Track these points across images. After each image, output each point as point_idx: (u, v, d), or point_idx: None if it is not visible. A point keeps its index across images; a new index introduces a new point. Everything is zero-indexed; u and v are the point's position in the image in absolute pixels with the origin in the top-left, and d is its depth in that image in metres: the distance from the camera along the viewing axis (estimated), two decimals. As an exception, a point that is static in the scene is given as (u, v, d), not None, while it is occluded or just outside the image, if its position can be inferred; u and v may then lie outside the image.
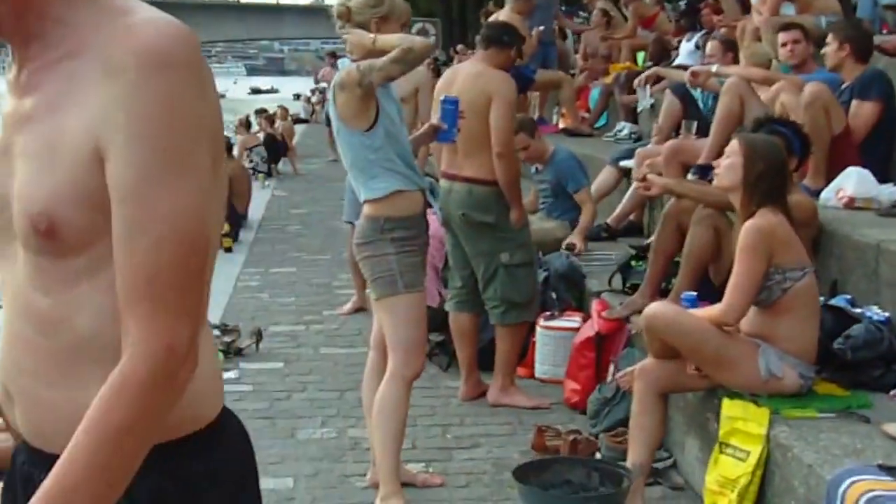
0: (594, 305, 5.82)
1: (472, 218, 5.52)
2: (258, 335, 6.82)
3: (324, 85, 29.34)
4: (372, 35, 4.28)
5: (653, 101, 10.23)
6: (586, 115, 12.46)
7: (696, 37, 10.49)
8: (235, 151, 15.78)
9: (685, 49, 10.60)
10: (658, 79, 9.27)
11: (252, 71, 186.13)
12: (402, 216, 4.31)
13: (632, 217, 7.88)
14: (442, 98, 4.76)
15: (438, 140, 4.84)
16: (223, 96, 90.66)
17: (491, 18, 12.61)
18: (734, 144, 4.26)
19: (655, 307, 4.28)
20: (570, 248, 6.81)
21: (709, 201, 5.05)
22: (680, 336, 4.18)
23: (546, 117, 12.92)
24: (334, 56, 20.54)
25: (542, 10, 12.30)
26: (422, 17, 26.32)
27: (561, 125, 12.83)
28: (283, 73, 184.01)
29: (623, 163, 8.18)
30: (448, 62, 26.35)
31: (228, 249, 10.36)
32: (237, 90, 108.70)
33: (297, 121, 30.15)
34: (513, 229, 5.54)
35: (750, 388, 4.15)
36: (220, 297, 8.33)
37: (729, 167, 4.23)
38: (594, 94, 12.45)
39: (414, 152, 4.54)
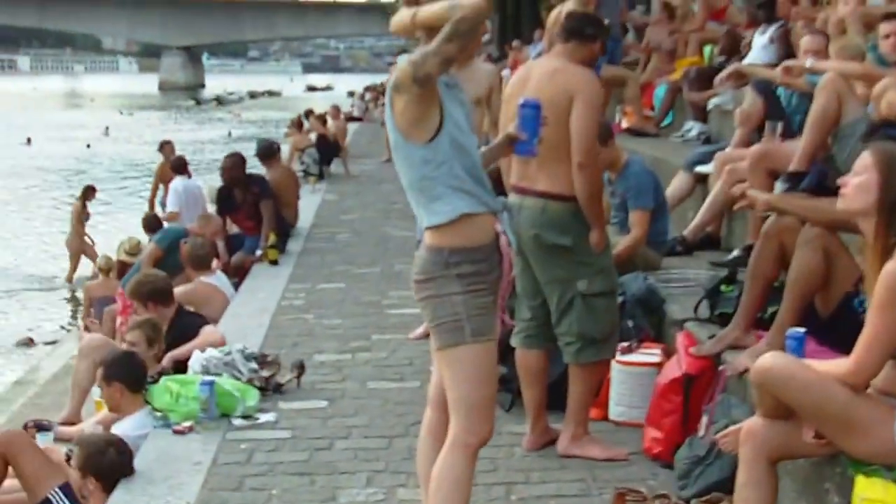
0: (679, 339, 5.02)
1: (546, 239, 4.73)
2: (300, 369, 6.11)
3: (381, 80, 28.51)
4: (412, 9, 3.57)
5: (724, 98, 9.40)
6: (651, 113, 11.65)
7: (771, 29, 9.60)
8: (285, 154, 15.14)
9: (758, 43, 9.71)
10: (740, 76, 8.42)
11: (308, 68, 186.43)
12: (471, 246, 3.59)
13: (709, 229, 7.06)
14: (520, 101, 3.97)
15: (517, 153, 4.05)
16: (279, 94, 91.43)
17: (555, 11, 11.87)
18: (866, 159, 3.43)
19: (769, 359, 3.47)
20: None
21: (823, 221, 4.24)
22: (799, 394, 3.38)
23: (608, 116, 12.10)
24: (403, 52, 19.80)
25: (608, 3, 11.51)
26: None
27: (625, 124, 12.02)
28: (339, 70, 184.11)
29: (699, 168, 7.36)
30: (502, 58, 25.58)
31: (274, 262, 9.70)
32: (293, 88, 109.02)
33: (351, 119, 29.59)
34: (592, 253, 4.75)
35: (884, 459, 3.34)
36: (262, 318, 7.68)
37: (861, 187, 3.40)
38: (659, 91, 11.62)
39: (485, 168, 3.78)
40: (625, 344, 5.28)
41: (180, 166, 12.53)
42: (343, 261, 9.86)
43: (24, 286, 14.99)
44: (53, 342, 11.66)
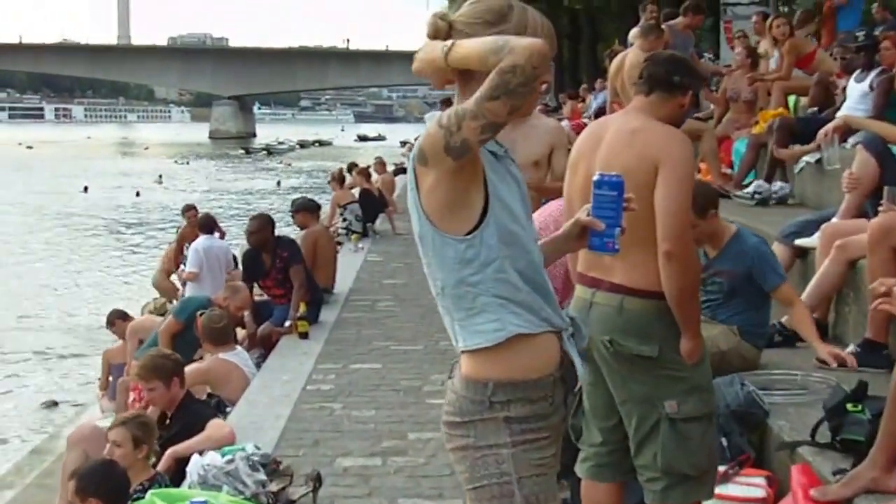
0: (794, 474, 3.95)
1: (623, 347, 3.67)
2: (316, 482, 5.10)
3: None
4: (447, 43, 2.62)
5: (827, 155, 8.34)
6: (729, 170, 10.62)
7: (871, 76, 8.57)
8: (324, 211, 14.25)
9: (856, 91, 8.67)
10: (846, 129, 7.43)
11: (360, 118, 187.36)
12: (526, 379, 2.62)
13: (815, 315, 5.98)
14: (596, 177, 2.88)
15: (591, 248, 2.91)
16: (329, 143, 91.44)
17: (618, 58, 10.92)
18: None
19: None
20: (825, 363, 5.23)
21: None
22: None
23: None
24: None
25: (678, 48, 10.57)
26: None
27: (698, 183, 10.97)
28: (392, 119, 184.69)
29: (800, 241, 6.31)
30: (558, 108, 24.64)
31: (304, 335, 8.74)
32: (344, 137, 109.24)
33: (400, 171, 28.75)
34: (684, 365, 3.69)
35: None
36: (281, 408, 6.70)
37: None
38: (739, 146, 10.59)
39: (546, 265, 2.81)
40: (719, 469, 4.21)
41: (207, 224, 11.64)
42: (382, 335, 8.87)
43: (64, 342, 14.25)
44: (81, 404, 10.95)
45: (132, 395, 8.26)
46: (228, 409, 7.07)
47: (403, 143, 73.00)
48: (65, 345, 14.03)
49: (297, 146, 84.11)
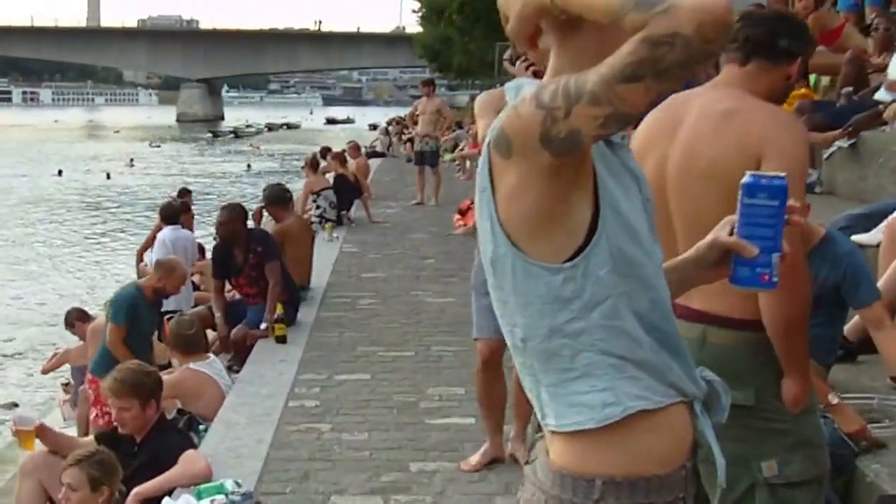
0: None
1: None
2: (307, 534, 4.24)
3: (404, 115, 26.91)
4: None
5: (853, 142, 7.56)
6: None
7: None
8: (298, 197, 13.33)
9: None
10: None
11: (329, 101, 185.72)
12: (648, 476, 1.78)
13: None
14: (748, 179, 1.95)
15: (737, 282, 1.96)
16: (297, 127, 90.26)
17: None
18: None
19: None
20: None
21: None
22: None
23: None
24: (431, 84, 17.95)
25: None
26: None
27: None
28: (361, 102, 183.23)
29: (857, 238, 5.45)
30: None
31: (282, 339, 7.83)
32: (313, 120, 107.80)
33: (373, 154, 27.89)
34: (787, 415, 2.82)
35: None
36: (262, 430, 5.80)
37: None
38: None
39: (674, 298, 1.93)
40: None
41: (172, 214, 10.65)
42: (367, 338, 7.96)
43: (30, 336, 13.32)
44: (44, 403, 10.17)
45: (94, 411, 7.37)
46: (202, 427, 6.19)
47: (373, 127, 72.05)
48: (32, 339, 13.07)
49: (266, 129, 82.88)
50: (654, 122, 2.99)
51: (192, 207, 13.35)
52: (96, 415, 7.29)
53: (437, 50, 59.85)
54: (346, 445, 5.57)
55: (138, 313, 7.32)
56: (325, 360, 7.30)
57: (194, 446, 5.36)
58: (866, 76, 8.43)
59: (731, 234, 1.95)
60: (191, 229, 12.49)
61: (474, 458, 5.20)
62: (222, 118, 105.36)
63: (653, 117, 3.03)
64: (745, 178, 1.93)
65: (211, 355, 7.02)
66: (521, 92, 1.76)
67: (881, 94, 8.01)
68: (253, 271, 8.30)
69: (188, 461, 4.97)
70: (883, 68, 8.53)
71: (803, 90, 9.66)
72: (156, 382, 5.26)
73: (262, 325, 8.00)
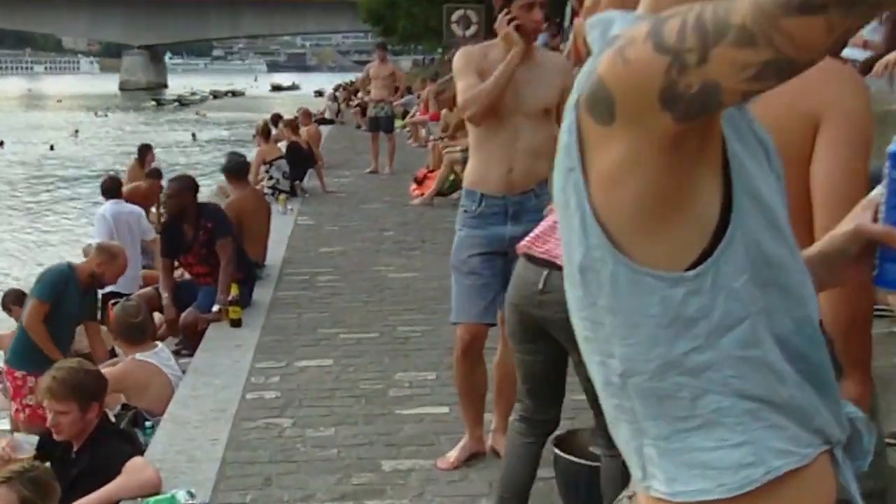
0: None
1: None
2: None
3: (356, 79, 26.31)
4: None
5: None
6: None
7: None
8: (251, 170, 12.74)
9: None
10: None
11: (273, 67, 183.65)
12: None
13: None
14: (894, 145, 1.46)
15: (884, 284, 1.49)
16: (243, 94, 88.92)
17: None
18: None
19: None
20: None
21: None
22: None
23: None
24: (385, 48, 17.33)
25: None
26: (461, 3, 23.14)
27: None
28: (305, 68, 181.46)
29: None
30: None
31: (236, 323, 7.31)
32: (258, 87, 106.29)
33: (322, 121, 27.23)
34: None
35: None
36: (216, 430, 5.30)
37: None
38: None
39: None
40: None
41: (112, 187, 10.04)
42: (328, 319, 7.46)
43: None
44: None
45: (13, 405, 6.80)
46: (148, 424, 5.68)
47: (319, 93, 71.05)
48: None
49: (211, 97, 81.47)
50: None
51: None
52: (16, 409, 6.75)
53: (381, 14, 59.15)
54: (311, 443, 5.08)
55: (66, 294, 6.74)
56: (284, 345, 6.79)
57: (141, 452, 4.84)
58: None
59: (874, 220, 1.47)
60: (156, 200, 11.91)
61: (452, 455, 4.74)
62: (166, 86, 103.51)
63: None
64: (893, 146, 1.44)
65: (159, 344, 6.49)
66: (611, 30, 1.27)
67: (849, 52, 7.62)
68: (203, 249, 7.76)
69: (134, 470, 4.45)
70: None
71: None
72: (98, 383, 4.73)
73: (215, 308, 7.47)
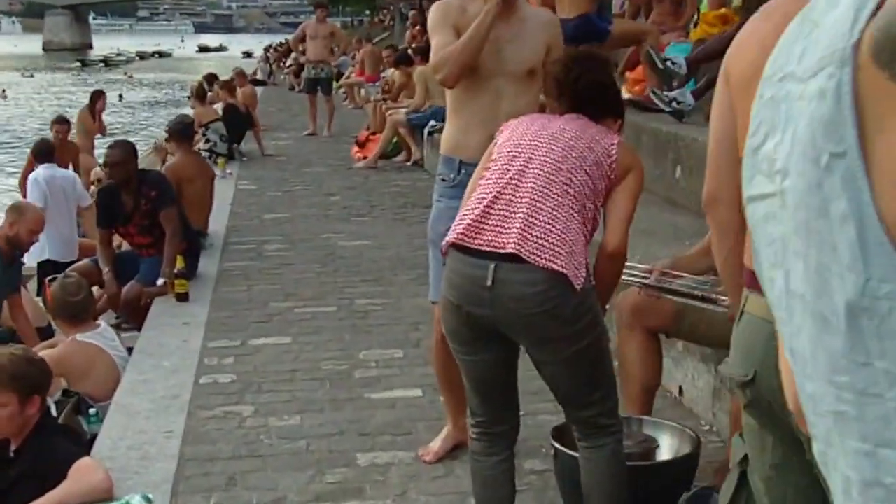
0: None
1: None
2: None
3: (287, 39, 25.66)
4: None
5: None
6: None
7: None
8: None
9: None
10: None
11: (200, 28, 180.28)
12: None
13: None
14: None
15: None
16: (170, 55, 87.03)
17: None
18: None
19: None
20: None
21: None
22: None
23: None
24: (325, 6, 16.60)
25: None
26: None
27: (624, 94, 9.30)
28: (232, 30, 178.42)
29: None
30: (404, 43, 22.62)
31: (183, 297, 6.75)
32: (185, 48, 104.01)
33: (254, 82, 26.45)
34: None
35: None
36: (169, 421, 4.77)
37: None
38: (670, 52, 8.88)
39: None
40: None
41: (44, 151, 9.35)
42: (280, 291, 6.93)
43: None
44: None
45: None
46: (92, 411, 5.14)
47: (247, 54, 69.63)
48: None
49: (137, 58, 79.60)
50: (761, 37, 2.02)
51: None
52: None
53: (311, -26, 58.07)
54: (276, 434, 4.57)
55: None
56: (236, 322, 6.25)
57: (88, 450, 4.30)
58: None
59: None
60: (75, 166, 11.26)
61: (435, 445, 4.28)
62: (91, 47, 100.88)
63: (758, 30, 2.07)
64: None
65: (101, 323, 5.93)
66: None
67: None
68: (145, 219, 7.15)
69: (82, 473, 3.90)
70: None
71: (723, 10, 8.87)
72: (43, 374, 4.18)
73: (159, 281, 6.89)
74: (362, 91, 19.96)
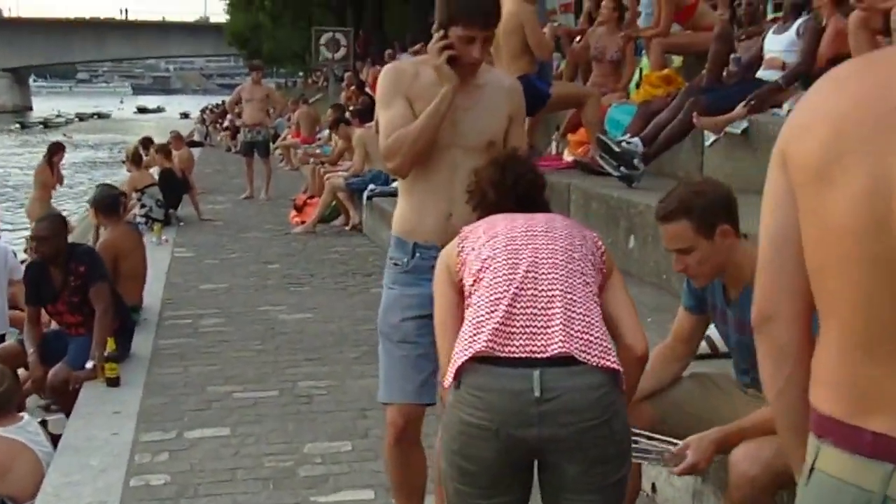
0: None
1: None
2: None
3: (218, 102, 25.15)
4: None
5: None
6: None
7: (800, 21, 6.70)
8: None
9: (782, 40, 6.77)
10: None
11: (138, 89, 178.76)
12: None
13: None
14: None
15: None
16: (108, 116, 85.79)
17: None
18: None
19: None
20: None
21: None
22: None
23: (537, 146, 8.97)
24: (260, 68, 16.06)
25: (539, 6, 8.53)
26: (331, 28, 22.08)
27: (567, 156, 8.93)
28: (170, 91, 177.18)
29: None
30: (341, 79, 22.14)
31: (114, 382, 6.10)
32: (124, 109, 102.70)
33: (191, 144, 25.80)
34: None
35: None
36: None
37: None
38: (614, 113, 8.50)
39: None
40: None
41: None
42: (219, 374, 6.30)
43: None
44: None
45: None
46: (10, 517, 4.50)
47: (185, 115, 68.84)
48: None
49: (76, 119, 78.25)
50: (838, 114, 1.51)
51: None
52: None
53: (246, 37, 57.85)
54: (214, 549, 3.96)
55: None
56: (172, 409, 5.62)
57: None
58: (729, 55, 7.30)
59: None
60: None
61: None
62: (31, 108, 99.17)
63: (831, 105, 1.56)
64: None
65: (24, 415, 5.27)
66: None
67: (765, 74, 6.89)
68: (74, 296, 6.51)
69: None
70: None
71: (666, 71, 8.54)
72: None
73: (88, 364, 6.24)
74: (298, 152, 19.43)
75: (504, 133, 3.59)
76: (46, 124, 69.10)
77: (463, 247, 2.87)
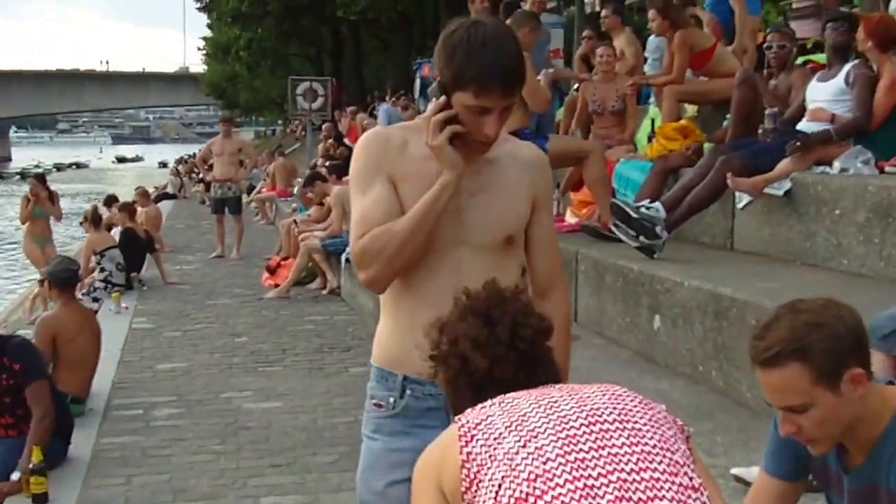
0: None
1: None
2: None
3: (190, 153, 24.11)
4: None
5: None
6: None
7: (846, 69, 5.70)
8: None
9: (826, 90, 5.76)
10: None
11: (118, 139, 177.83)
12: None
13: None
14: None
15: None
16: (87, 166, 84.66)
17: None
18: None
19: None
20: None
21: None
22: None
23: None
24: (230, 121, 15.03)
25: (537, 50, 7.59)
26: (308, 77, 21.15)
27: (569, 217, 7.94)
28: (149, 140, 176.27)
29: None
30: (320, 127, 21.15)
31: (40, 498, 4.98)
32: (103, 159, 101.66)
33: (164, 196, 24.75)
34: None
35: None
36: None
37: None
38: (622, 169, 7.50)
39: None
40: None
41: None
42: (167, 487, 5.16)
43: None
44: None
45: None
46: None
47: (163, 165, 67.92)
48: None
49: (54, 170, 77.13)
50: None
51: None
52: None
53: (223, 87, 57.13)
54: None
55: None
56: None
57: None
58: (761, 103, 6.29)
59: None
60: None
61: None
62: (10, 159, 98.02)
63: None
64: None
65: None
66: None
67: (807, 126, 5.88)
68: (6, 396, 5.41)
69: None
70: (786, 93, 6.46)
71: (683, 122, 7.55)
72: None
73: (14, 475, 5.12)
74: (274, 206, 18.37)
75: (526, 224, 2.52)
76: (23, 175, 67.92)
77: (470, 453, 1.82)
